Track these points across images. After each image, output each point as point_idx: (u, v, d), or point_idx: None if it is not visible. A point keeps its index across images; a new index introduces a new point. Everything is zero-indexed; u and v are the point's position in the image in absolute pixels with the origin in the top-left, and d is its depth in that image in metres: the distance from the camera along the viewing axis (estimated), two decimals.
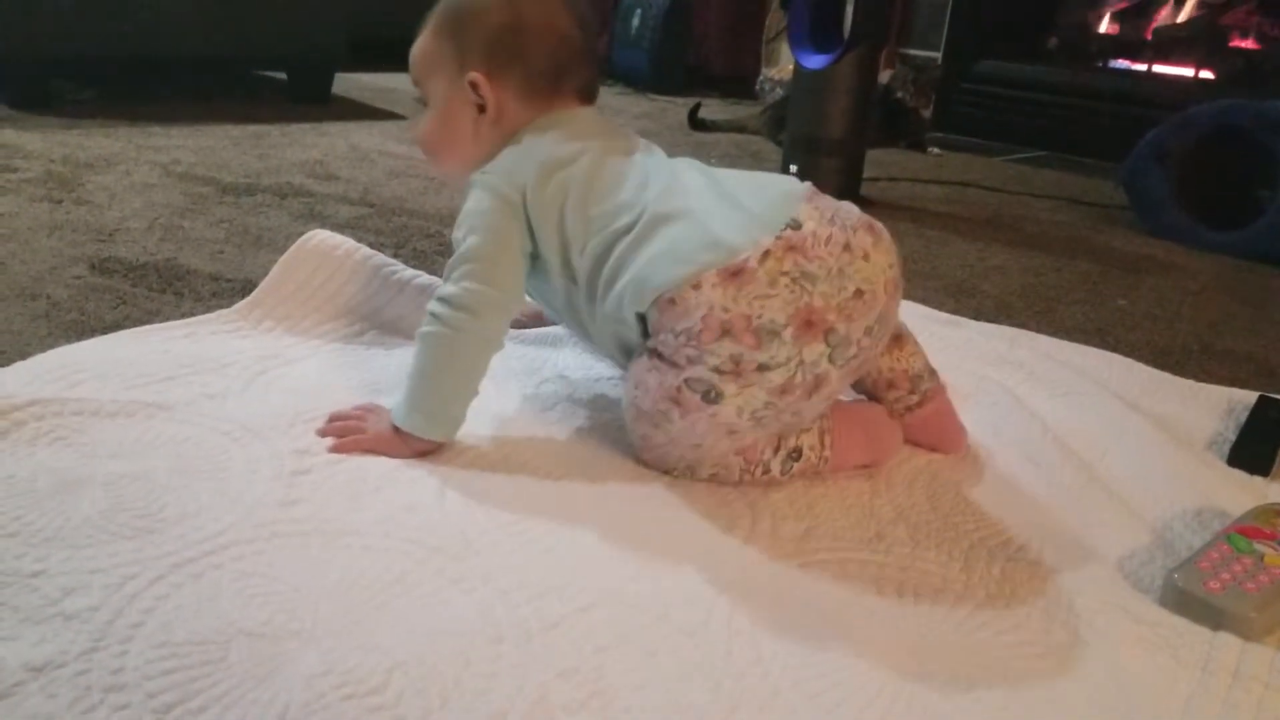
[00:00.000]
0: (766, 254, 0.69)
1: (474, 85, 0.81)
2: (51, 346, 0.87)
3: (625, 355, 0.78)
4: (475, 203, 0.78)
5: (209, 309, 0.99)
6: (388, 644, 0.54)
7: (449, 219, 0.90)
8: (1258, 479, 0.86)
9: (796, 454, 0.75)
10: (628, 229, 0.74)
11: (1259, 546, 0.69)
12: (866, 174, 1.90)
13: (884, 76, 2.40)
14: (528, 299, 0.87)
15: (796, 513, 0.72)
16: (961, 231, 1.73)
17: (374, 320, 0.97)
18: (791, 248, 0.69)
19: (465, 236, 0.77)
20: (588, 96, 0.85)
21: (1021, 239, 1.72)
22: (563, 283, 0.78)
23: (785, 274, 0.69)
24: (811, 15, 1.74)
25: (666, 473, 0.76)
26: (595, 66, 0.85)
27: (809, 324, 0.69)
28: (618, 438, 0.81)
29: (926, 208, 1.90)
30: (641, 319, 0.74)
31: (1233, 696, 0.57)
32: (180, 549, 0.60)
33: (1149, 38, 2.78)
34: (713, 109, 2.70)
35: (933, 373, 0.84)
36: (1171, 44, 2.72)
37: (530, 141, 0.80)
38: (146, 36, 1.99)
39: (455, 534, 0.65)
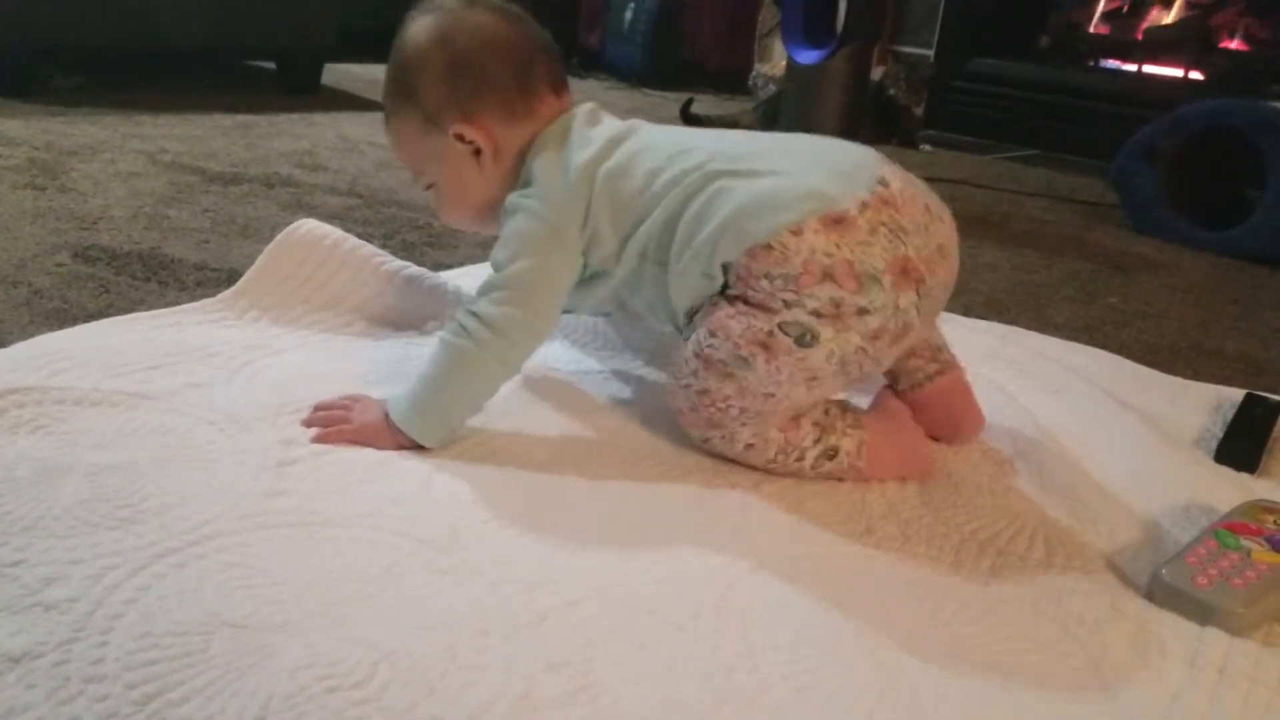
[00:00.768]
0: (864, 205, 0.72)
1: (460, 137, 0.80)
2: (33, 335, 0.86)
3: (686, 317, 0.78)
4: (522, 225, 0.77)
5: (194, 298, 0.98)
6: (373, 636, 0.53)
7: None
8: (1244, 475, 0.86)
9: (833, 453, 0.76)
10: (699, 188, 0.75)
11: (1246, 542, 0.69)
12: None
13: (876, 73, 2.41)
14: None
15: (787, 506, 0.72)
16: None
17: (362, 311, 0.96)
18: (885, 202, 0.73)
19: (512, 260, 0.76)
20: (560, 84, 0.84)
21: (1012, 237, 1.72)
22: (631, 265, 0.78)
23: (883, 224, 0.72)
24: (805, 11, 1.74)
25: (703, 443, 0.76)
26: (551, 51, 0.84)
27: (905, 272, 0.72)
28: (607, 430, 0.80)
29: None
30: (722, 270, 0.74)
31: (1220, 692, 0.57)
32: (163, 539, 0.59)
33: (1139, 38, 2.80)
34: (705, 104, 2.69)
35: (949, 348, 0.86)
36: (1161, 45, 2.73)
37: (548, 158, 0.79)
38: (136, 26, 1.98)
39: (443, 526, 0.64)
